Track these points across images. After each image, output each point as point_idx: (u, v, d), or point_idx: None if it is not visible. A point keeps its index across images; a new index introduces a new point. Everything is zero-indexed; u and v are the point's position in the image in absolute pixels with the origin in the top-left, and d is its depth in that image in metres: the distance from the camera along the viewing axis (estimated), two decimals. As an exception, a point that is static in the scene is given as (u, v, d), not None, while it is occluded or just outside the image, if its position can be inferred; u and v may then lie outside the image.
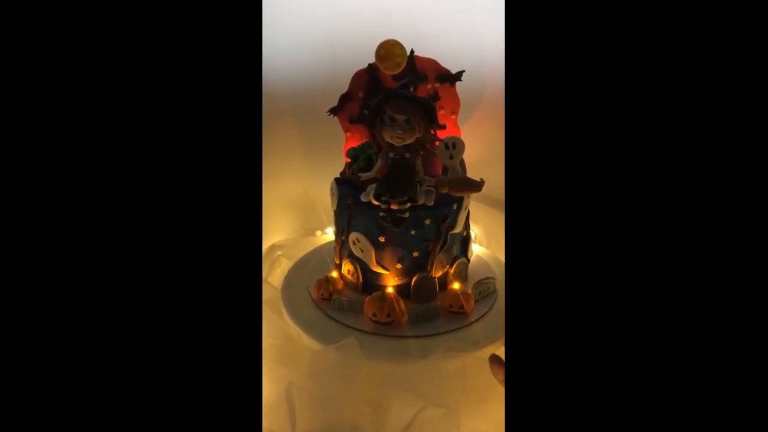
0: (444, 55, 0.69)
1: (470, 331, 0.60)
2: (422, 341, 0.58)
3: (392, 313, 0.58)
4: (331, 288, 0.64)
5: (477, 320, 0.62)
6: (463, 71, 0.69)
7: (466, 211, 0.65)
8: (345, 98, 0.70)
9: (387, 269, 0.63)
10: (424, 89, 0.70)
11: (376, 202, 0.58)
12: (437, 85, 0.70)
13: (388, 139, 0.57)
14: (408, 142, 0.57)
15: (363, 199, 0.60)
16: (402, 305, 0.60)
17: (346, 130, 0.73)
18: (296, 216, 0.96)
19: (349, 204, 0.62)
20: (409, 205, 0.58)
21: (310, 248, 0.83)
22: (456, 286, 0.65)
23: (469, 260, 0.71)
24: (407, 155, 0.58)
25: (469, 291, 0.64)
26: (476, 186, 0.61)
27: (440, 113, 0.72)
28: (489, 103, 0.76)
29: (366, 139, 0.72)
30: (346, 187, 0.65)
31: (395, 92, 0.55)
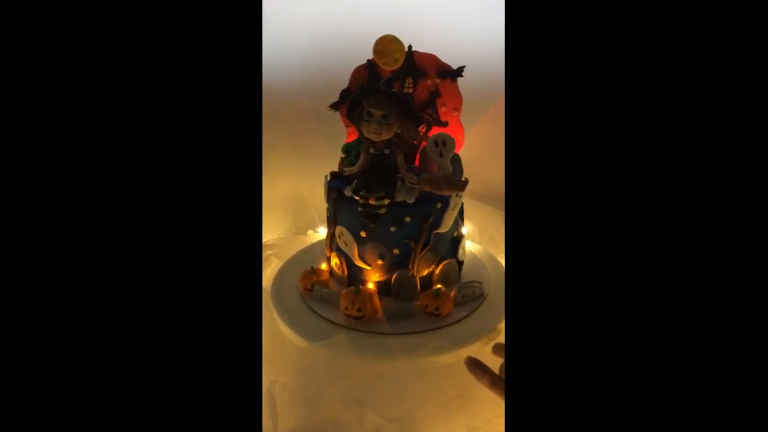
0: (445, 53, 0.67)
1: (449, 332, 0.59)
2: (403, 339, 0.57)
3: (363, 308, 0.58)
4: (315, 279, 0.66)
5: (454, 323, 0.60)
6: (464, 67, 0.67)
7: (456, 211, 0.63)
8: (345, 94, 0.71)
9: (369, 264, 0.63)
10: (425, 85, 0.69)
11: (356, 197, 0.59)
12: (438, 81, 0.69)
13: (366, 134, 0.57)
14: (385, 137, 0.56)
15: (346, 193, 0.61)
16: (376, 301, 0.60)
17: (347, 126, 0.74)
18: (287, 215, 0.94)
19: (334, 197, 0.63)
20: (386, 201, 0.58)
21: (300, 247, 0.81)
22: (439, 287, 0.63)
23: (460, 261, 0.69)
24: (386, 151, 0.58)
25: (452, 293, 0.62)
26: (459, 185, 0.59)
27: (442, 110, 0.71)
28: (489, 101, 0.73)
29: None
30: (337, 181, 0.66)
31: (372, 87, 0.55)
